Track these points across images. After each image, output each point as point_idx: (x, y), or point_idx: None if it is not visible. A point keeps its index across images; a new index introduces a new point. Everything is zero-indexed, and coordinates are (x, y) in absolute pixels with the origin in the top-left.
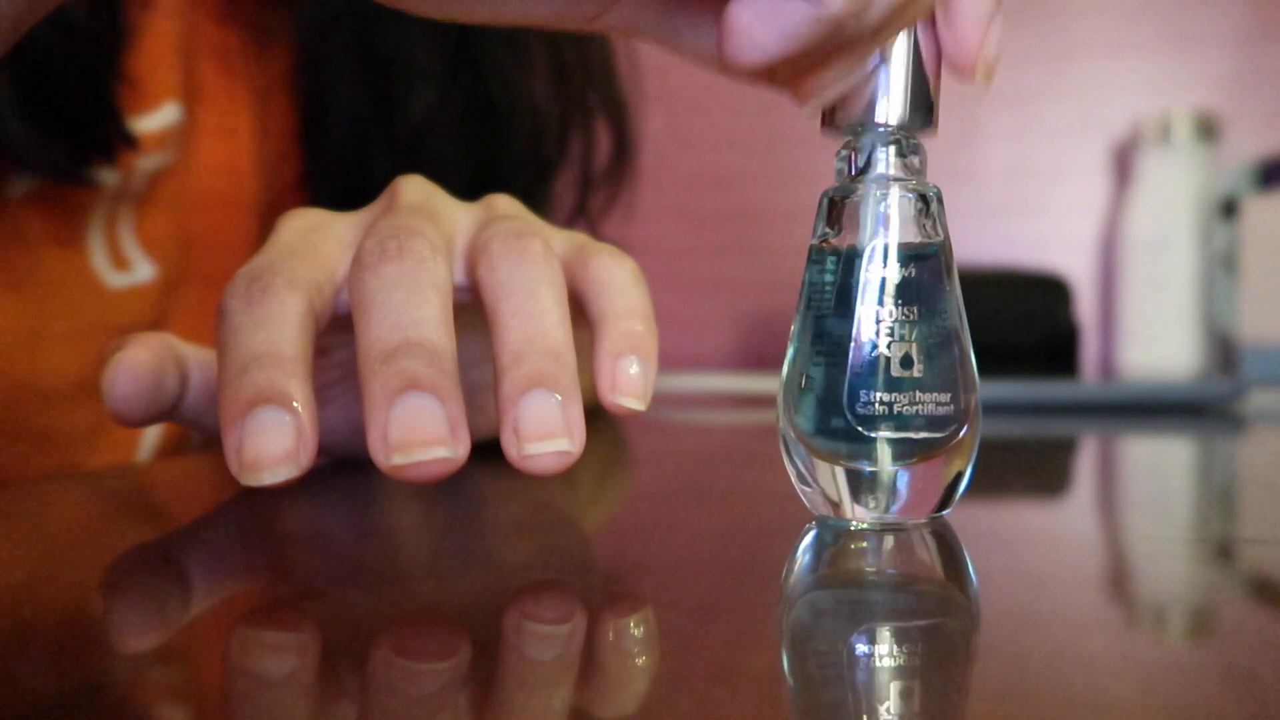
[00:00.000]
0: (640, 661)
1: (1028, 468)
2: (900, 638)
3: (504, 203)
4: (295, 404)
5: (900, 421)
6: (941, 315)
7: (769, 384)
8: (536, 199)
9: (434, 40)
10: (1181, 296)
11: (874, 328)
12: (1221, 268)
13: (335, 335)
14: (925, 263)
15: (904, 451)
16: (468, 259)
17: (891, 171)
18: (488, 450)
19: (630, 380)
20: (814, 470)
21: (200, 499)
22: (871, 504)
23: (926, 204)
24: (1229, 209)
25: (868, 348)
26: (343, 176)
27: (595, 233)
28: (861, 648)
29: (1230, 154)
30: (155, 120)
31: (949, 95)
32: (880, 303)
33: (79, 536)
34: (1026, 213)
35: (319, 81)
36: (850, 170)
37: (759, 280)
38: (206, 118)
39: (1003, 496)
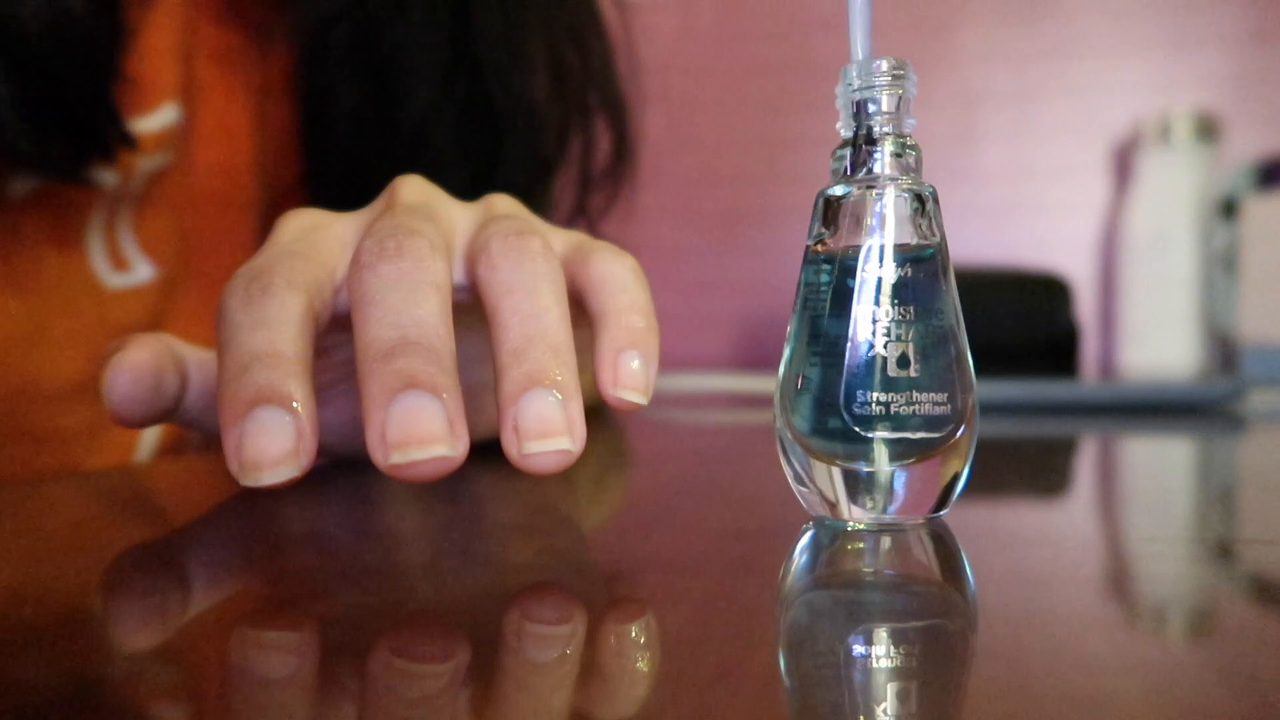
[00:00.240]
0: (638, 661)
1: (1028, 468)
2: (898, 638)
3: (503, 203)
4: (295, 404)
5: (897, 422)
6: (938, 315)
7: (768, 384)
8: (536, 199)
9: (433, 40)
10: (1181, 296)
11: (870, 328)
12: (1221, 268)
13: (335, 335)
14: (921, 263)
15: (901, 452)
16: (467, 259)
17: (887, 171)
18: (488, 450)
19: (632, 374)
20: (811, 471)
21: (200, 499)
22: (869, 504)
23: (922, 204)
24: (1229, 209)
25: (864, 348)
26: (342, 176)
27: (595, 232)
28: (859, 648)
29: (1230, 154)
30: (154, 120)
31: (949, 95)
32: (876, 303)
33: (79, 536)
34: (1026, 213)
35: (319, 81)
36: (846, 170)
37: (759, 280)
38: (206, 118)
39: (1003, 496)
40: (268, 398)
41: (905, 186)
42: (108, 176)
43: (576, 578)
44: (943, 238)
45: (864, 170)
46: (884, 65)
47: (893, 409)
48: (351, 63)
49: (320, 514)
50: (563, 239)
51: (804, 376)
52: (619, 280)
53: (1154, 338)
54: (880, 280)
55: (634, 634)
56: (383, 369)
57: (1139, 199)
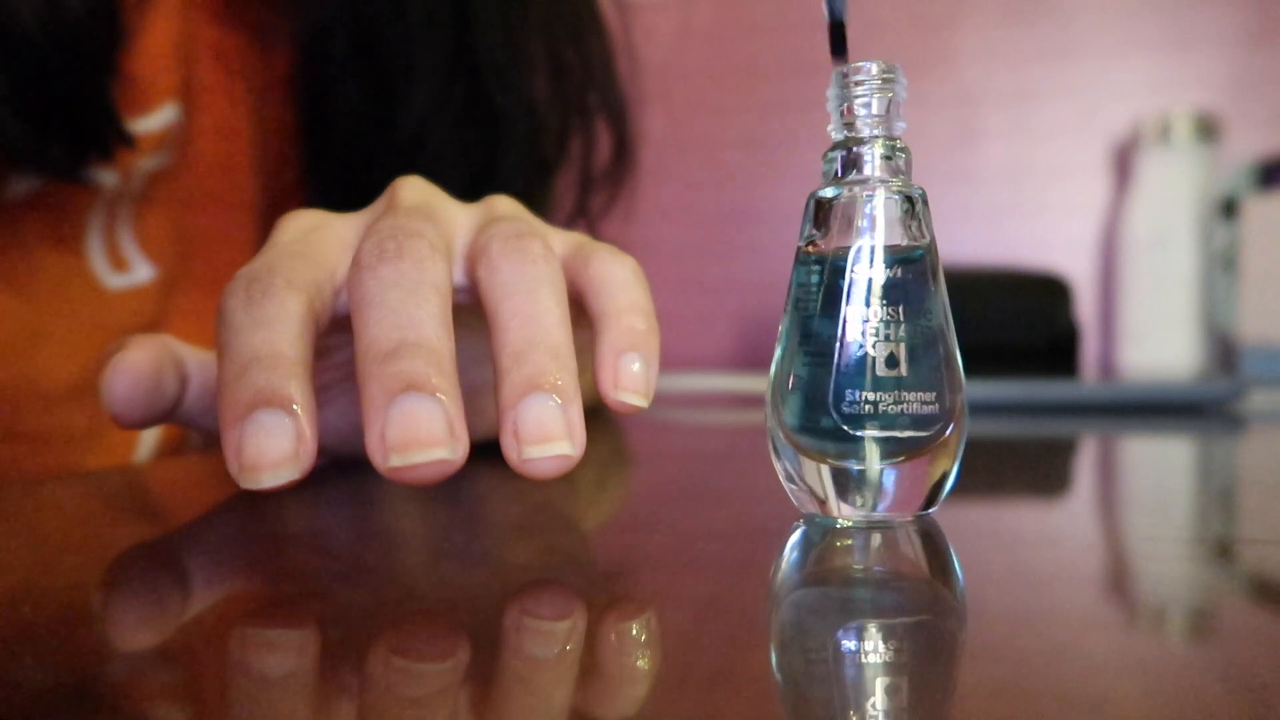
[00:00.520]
0: (636, 660)
1: (1028, 468)
2: (888, 634)
3: (503, 203)
4: (295, 406)
5: (886, 421)
6: (927, 316)
7: (766, 384)
8: (536, 199)
9: (434, 40)
10: (1181, 296)
11: (860, 328)
12: (1221, 268)
13: (335, 336)
14: (911, 264)
15: (890, 450)
16: (468, 260)
17: (877, 173)
18: (488, 450)
19: (633, 377)
20: (801, 469)
21: (200, 499)
22: (858, 502)
23: (912, 205)
24: (1229, 209)
25: (854, 348)
26: (342, 176)
27: (595, 233)
28: (849, 644)
29: (1230, 154)
30: (154, 120)
31: (949, 95)
32: (866, 303)
33: (78, 536)
34: (1026, 213)
35: (319, 81)
36: (837, 172)
37: (758, 280)
38: (205, 118)
39: (1002, 496)
40: (268, 399)
41: (895, 188)
42: (107, 177)
43: (576, 576)
44: (932, 239)
45: (855, 172)
46: (874, 68)
47: (881, 408)
48: (351, 63)
49: (320, 514)
50: (563, 240)
51: (795, 375)
52: (619, 281)
53: (1154, 338)
54: (870, 281)
55: (633, 632)
56: (382, 371)
57: (1139, 199)
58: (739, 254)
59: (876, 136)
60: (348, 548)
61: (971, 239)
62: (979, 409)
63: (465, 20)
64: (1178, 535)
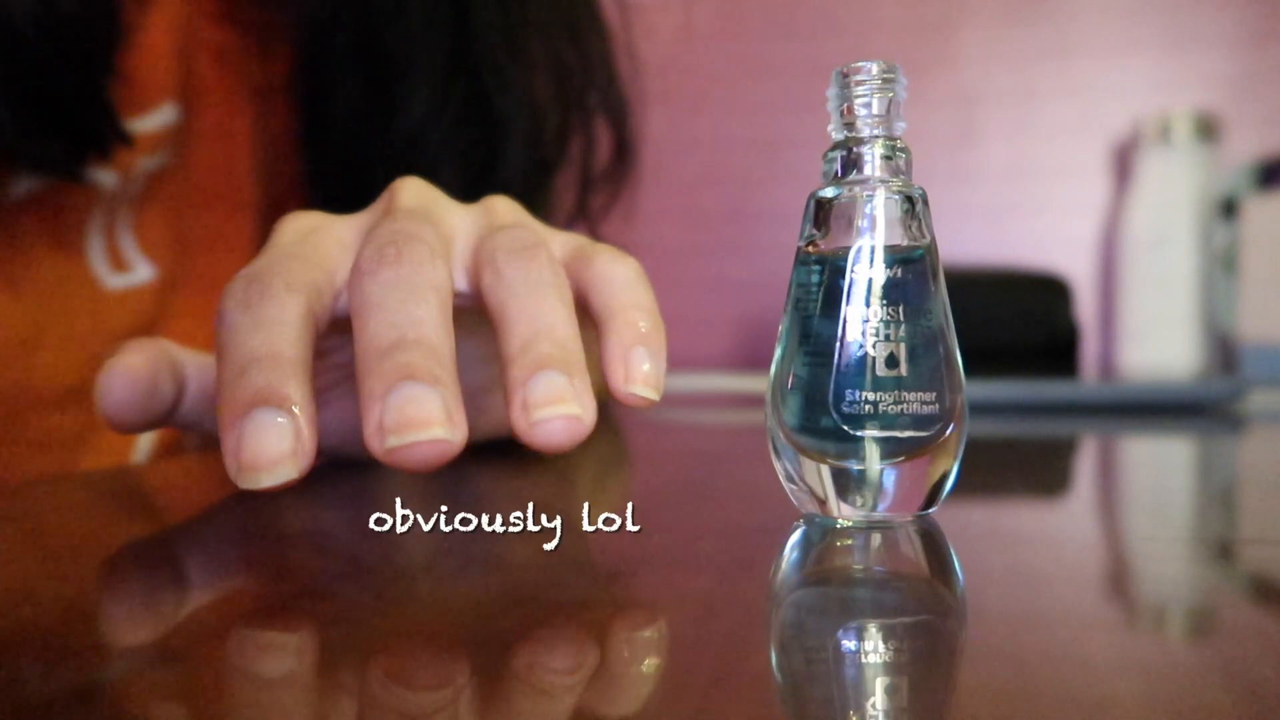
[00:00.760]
0: (636, 660)
1: (1027, 468)
2: (888, 635)
3: (503, 205)
4: (294, 406)
5: (885, 421)
6: (927, 316)
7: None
8: (536, 200)
9: (433, 41)
10: (1181, 296)
11: (860, 328)
12: (1221, 268)
13: (334, 338)
14: (911, 264)
15: (890, 450)
16: (472, 270)
17: (878, 173)
18: (488, 450)
19: (643, 371)
20: (801, 469)
21: (198, 499)
22: (858, 502)
23: (912, 205)
24: (1229, 209)
25: (854, 348)
26: (342, 177)
27: (595, 233)
28: (849, 645)
29: (1230, 154)
30: (153, 120)
31: (949, 95)
32: (866, 303)
33: (77, 536)
34: (1026, 212)
35: (319, 81)
36: (837, 172)
37: (759, 280)
38: (205, 118)
39: (1002, 496)
40: (266, 399)
41: (895, 188)
42: (107, 177)
43: (575, 576)
44: (933, 239)
45: (855, 172)
46: (874, 68)
47: (881, 408)
48: (351, 63)
49: (320, 514)
50: (564, 243)
51: (795, 375)
52: (622, 280)
53: (1154, 338)
54: (870, 281)
55: (633, 632)
56: (380, 365)
57: (1139, 199)
58: (739, 254)
59: (876, 136)
60: (348, 547)
61: (971, 239)
62: (979, 409)
63: (465, 20)
64: (1178, 535)
